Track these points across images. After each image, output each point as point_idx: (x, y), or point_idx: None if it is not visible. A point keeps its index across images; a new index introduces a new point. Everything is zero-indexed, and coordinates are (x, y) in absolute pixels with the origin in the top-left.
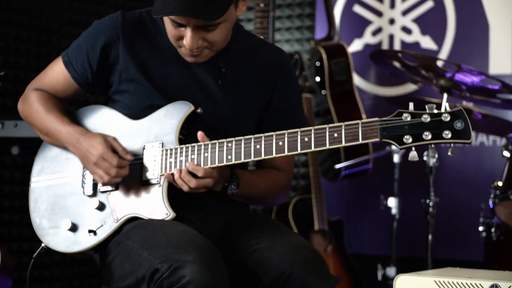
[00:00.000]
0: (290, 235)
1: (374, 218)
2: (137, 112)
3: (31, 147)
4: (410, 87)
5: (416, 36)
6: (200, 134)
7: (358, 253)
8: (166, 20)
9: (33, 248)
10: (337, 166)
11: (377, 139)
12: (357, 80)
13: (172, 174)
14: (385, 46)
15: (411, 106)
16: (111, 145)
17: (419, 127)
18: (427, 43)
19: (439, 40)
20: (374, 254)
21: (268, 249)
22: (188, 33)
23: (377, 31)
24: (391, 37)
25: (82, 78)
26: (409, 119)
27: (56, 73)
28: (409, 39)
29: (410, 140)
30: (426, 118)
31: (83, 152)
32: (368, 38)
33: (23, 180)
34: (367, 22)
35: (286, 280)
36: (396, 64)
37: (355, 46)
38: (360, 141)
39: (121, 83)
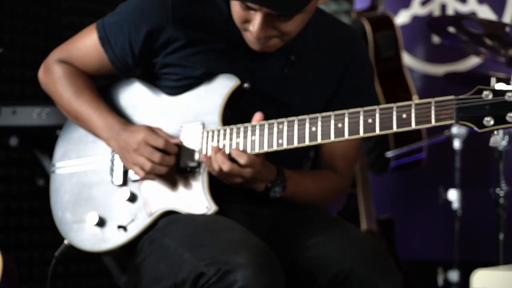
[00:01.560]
0: (348, 228)
1: (431, 216)
2: (179, 92)
3: (33, 137)
4: (467, 63)
5: (472, 5)
6: (258, 115)
7: (411, 257)
8: None
9: (33, 256)
10: (389, 153)
11: (452, 121)
12: (404, 57)
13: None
14: None
15: (493, 81)
16: (155, 131)
17: (502, 107)
18: (485, 13)
19: (498, 9)
20: (431, 259)
21: (324, 244)
22: (257, 19)
23: (427, 0)
24: (443, 7)
25: (121, 61)
26: (490, 97)
27: (89, 49)
28: (464, 8)
29: (492, 123)
30: (510, 97)
31: (122, 142)
32: (416, 8)
33: (20, 178)
34: None
35: (345, 278)
36: (457, 32)
37: (401, 18)
38: (433, 123)
39: (168, 67)
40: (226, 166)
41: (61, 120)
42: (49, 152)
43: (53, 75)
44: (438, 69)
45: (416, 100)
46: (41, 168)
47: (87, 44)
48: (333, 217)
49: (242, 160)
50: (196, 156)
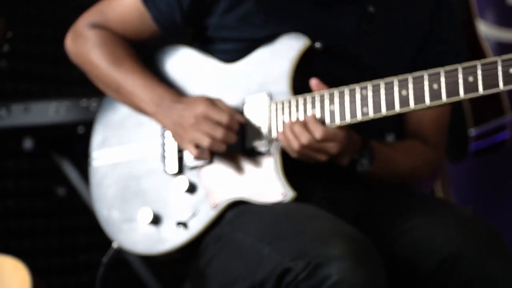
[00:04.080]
0: (450, 206)
1: None
2: (237, 57)
3: (50, 138)
4: None
5: None
6: (314, 81)
7: None
8: None
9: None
10: (473, 131)
11: None
12: None
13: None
14: None
15: None
16: (216, 103)
17: None
18: None
19: None
20: None
21: (424, 227)
22: None
23: None
24: None
25: (167, 20)
26: None
27: (127, 8)
28: None
29: None
30: None
31: (176, 116)
32: None
33: (33, 192)
34: None
35: (454, 264)
36: None
37: None
38: None
39: (224, 29)
40: (305, 137)
41: (82, 115)
42: (70, 154)
43: (86, 42)
44: None
45: None
46: (60, 175)
47: (125, 3)
48: (429, 195)
49: (317, 134)
50: (265, 134)
